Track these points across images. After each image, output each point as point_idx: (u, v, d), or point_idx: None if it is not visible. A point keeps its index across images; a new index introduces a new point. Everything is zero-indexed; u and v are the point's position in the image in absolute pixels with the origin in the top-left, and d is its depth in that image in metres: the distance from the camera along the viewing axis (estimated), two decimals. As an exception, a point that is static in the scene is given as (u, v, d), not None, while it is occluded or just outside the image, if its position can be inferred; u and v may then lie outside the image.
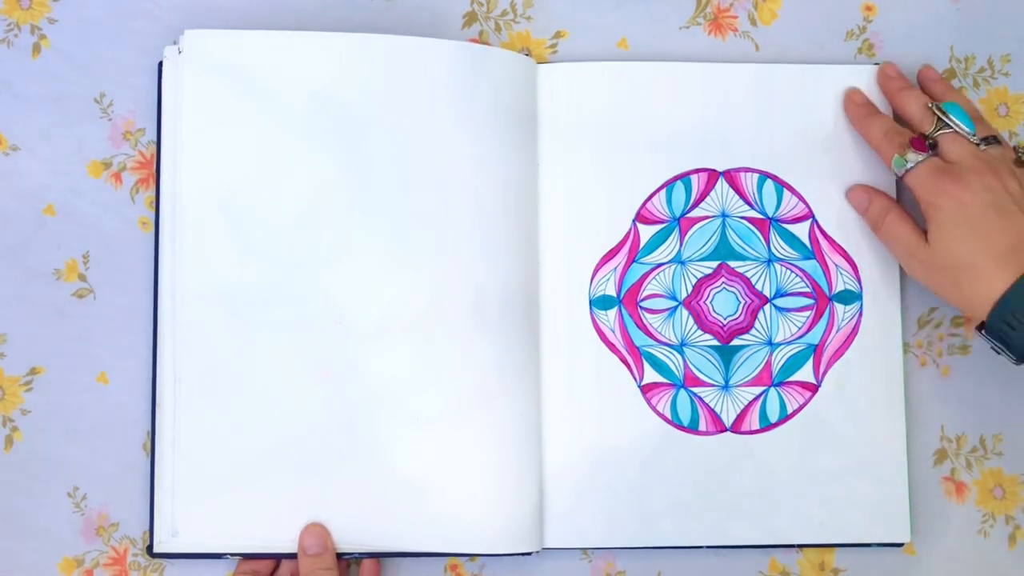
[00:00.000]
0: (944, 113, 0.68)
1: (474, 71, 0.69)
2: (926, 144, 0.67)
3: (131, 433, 0.69)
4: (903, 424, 0.71)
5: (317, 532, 0.65)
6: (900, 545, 0.71)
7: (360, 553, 0.67)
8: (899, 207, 0.70)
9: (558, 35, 0.74)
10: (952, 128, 0.68)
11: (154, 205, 0.70)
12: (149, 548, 0.67)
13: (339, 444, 0.67)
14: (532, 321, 0.70)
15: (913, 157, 0.67)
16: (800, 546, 0.71)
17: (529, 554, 0.68)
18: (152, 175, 0.71)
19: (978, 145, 0.67)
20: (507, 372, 0.68)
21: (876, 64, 0.73)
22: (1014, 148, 0.69)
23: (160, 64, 0.70)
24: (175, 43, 0.69)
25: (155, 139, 0.70)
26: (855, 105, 0.71)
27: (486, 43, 0.73)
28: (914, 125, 0.69)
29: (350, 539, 0.67)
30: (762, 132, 0.72)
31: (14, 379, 0.70)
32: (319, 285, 0.67)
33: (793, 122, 0.72)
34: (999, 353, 0.66)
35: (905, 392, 0.71)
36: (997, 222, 0.64)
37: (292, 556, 0.67)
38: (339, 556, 0.67)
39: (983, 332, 0.65)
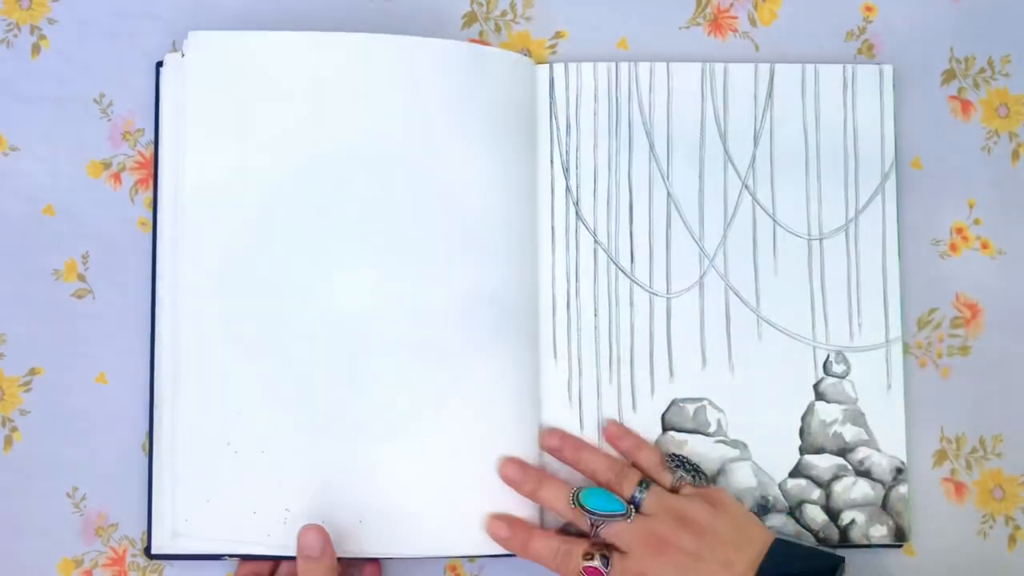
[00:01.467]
0: (586, 510, 0.65)
1: (474, 71, 0.69)
2: (597, 569, 0.64)
3: (130, 433, 0.69)
4: (903, 425, 0.71)
5: (315, 534, 0.64)
6: (900, 546, 0.71)
7: (359, 556, 0.67)
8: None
9: (558, 35, 0.74)
10: (602, 519, 0.64)
11: (152, 205, 0.70)
12: (147, 549, 0.67)
13: (338, 446, 0.67)
14: (531, 322, 0.70)
15: None
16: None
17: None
18: (151, 175, 0.71)
19: (633, 510, 0.64)
20: (506, 374, 0.68)
21: (876, 64, 0.73)
22: (669, 462, 0.67)
23: (158, 65, 0.70)
24: (175, 47, 0.69)
25: (154, 139, 0.70)
26: (509, 530, 0.66)
27: (486, 43, 0.73)
28: (574, 524, 0.66)
29: (350, 542, 0.66)
30: (761, 132, 0.72)
31: (13, 379, 0.70)
32: (317, 286, 0.67)
33: (793, 122, 0.72)
34: None
35: (905, 393, 0.71)
36: None
37: (291, 558, 0.67)
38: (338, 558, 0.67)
39: None
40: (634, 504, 0.65)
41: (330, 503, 0.66)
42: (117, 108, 0.72)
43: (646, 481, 0.66)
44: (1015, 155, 0.74)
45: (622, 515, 0.65)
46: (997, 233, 0.74)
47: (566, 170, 0.72)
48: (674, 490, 0.67)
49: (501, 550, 0.67)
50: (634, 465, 0.68)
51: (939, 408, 0.72)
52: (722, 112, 0.73)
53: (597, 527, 0.65)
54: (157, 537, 0.66)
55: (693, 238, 0.72)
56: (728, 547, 0.63)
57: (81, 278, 0.70)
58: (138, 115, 0.71)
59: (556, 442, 0.68)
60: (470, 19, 0.74)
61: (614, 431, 0.69)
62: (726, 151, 0.72)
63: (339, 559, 0.66)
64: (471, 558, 0.70)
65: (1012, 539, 0.72)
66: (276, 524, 0.66)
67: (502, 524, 0.66)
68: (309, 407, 0.67)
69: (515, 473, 0.67)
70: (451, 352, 0.68)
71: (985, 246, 0.73)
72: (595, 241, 0.72)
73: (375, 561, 0.69)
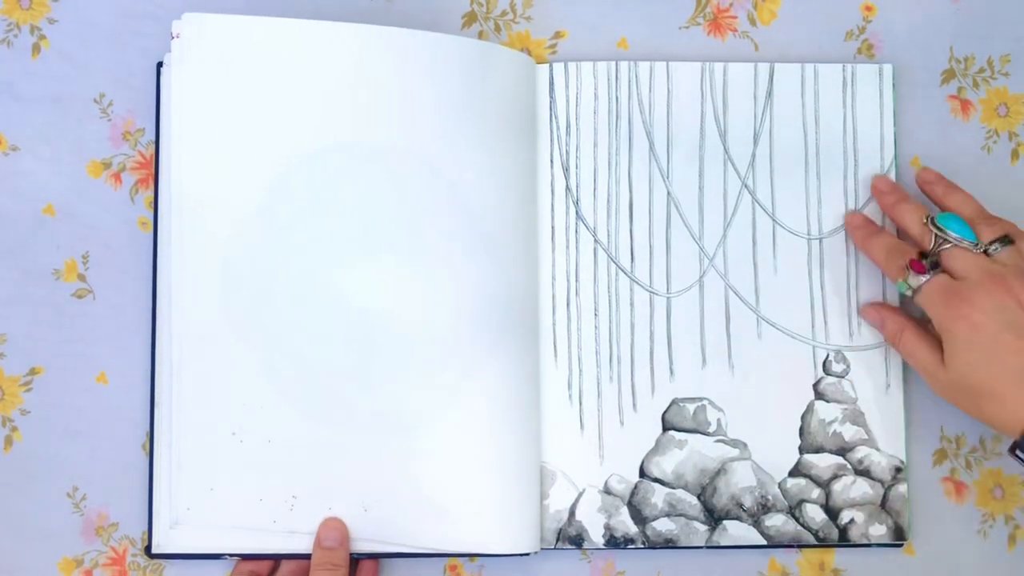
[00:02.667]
0: (941, 229, 0.65)
1: (478, 68, 0.69)
2: (925, 266, 0.65)
3: (130, 433, 0.69)
4: (902, 424, 0.71)
5: (335, 526, 0.66)
6: (900, 545, 0.71)
7: (358, 554, 0.67)
8: (913, 324, 0.68)
9: (558, 35, 0.74)
10: (952, 242, 0.65)
11: (153, 205, 0.70)
12: (147, 548, 0.67)
13: (337, 446, 0.67)
14: (531, 322, 0.70)
15: (915, 280, 0.65)
16: (800, 546, 0.71)
17: (528, 554, 0.68)
18: (152, 175, 0.71)
19: (986, 251, 0.65)
20: (508, 372, 0.68)
21: (876, 64, 0.73)
22: None
23: (159, 65, 0.70)
24: (173, 35, 0.68)
25: (155, 139, 0.70)
26: (854, 228, 0.70)
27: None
28: (915, 242, 0.67)
29: (353, 533, 0.66)
30: (760, 131, 0.72)
31: (14, 379, 0.70)
32: (321, 280, 0.67)
33: (793, 122, 0.72)
34: None
35: (905, 392, 0.71)
36: (1013, 344, 0.62)
37: (290, 557, 0.67)
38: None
39: (1016, 453, 0.63)
40: (987, 250, 0.65)
41: (336, 492, 0.66)
42: (117, 108, 0.72)
43: (1010, 238, 0.65)
44: (1015, 155, 0.74)
45: (972, 243, 0.65)
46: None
47: (566, 170, 0.72)
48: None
49: (500, 550, 0.67)
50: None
51: (939, 407, 0.72)
52: (722, 112, 0.73)
53: (940, 246, 0.65)
54: (156, 536, 0.66)
55: (693, 237, 0.72)
56: None
57: (81, 278, 0.70)
58: (138, 115, 0.72)
59: (932, 176, 0.70)
60: (470, 19, 0.74)
61: (933, 177, 0.71)
62: (726, 151, 0.72)
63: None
64: (471, 557, 0.70)
65: (1012, 538, 0.72)
66: (282, 511, 0.66)
67: (859, 216, 0.70)
68: (315, 399, 0.67)
69: (884, 184, 0.70)
70: (454, 349, 0.68)
71: (985, 245, 0.73)
72: (595, 240, 0.72)
73: (373, 560, 0.69)
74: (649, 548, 0.70)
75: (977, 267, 0.64)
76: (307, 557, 0.66)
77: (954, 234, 0.65)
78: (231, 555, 0.67)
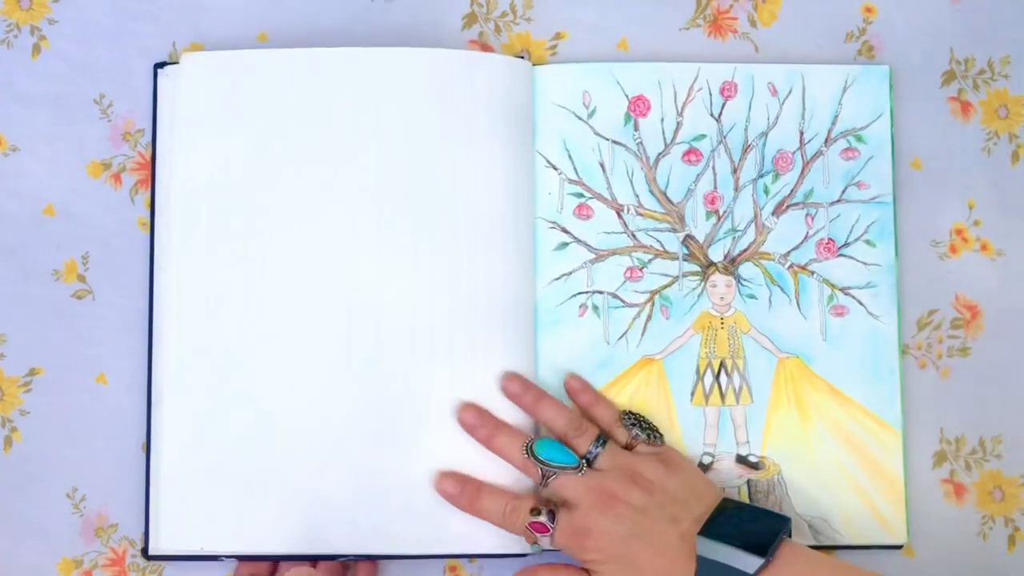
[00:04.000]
0: (542, 461, 0.65)
1: (466, 78, 0.69)
2: (545, 524, 0.64)
3: (130, 434, 0.69)
4: (901, 426, 0.71)
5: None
6: (899, 547, 0.71)
7: (357, 556, 0.67)
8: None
9: (558, 36, 0.74)
10: (554, 470, 0.64)
11: (151, 207, 0.70)
12: (144, 550, 0.67)
13: (336, 446, 0.67)
14: (528, 324, 0.70)
15: (544, 539, 0.64)
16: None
17: (527, 555, 0.68)
18: (151, 176, 0.71)
19: (589, 463, 0.65)
20: (504, 370, 0.68)
21: (876, 65, 0.73)
22: (625, 420, 0.67)
23: (156, 66, 0.70)
24: (174, 48, 0.69)
25: (152, 141, 0.70)
26: (451, 496, 0.66)
27: (486, 44, 0.73)
28: (522, 472, 0.66)
29: (348, 542, 0.67)
30: (760, 132, 0.72)
31: (13, 380, 0.70)
32: (312, 289, 0.68)
33: (792, 122, 0.72)
34: None
35: (904, 394, 0.71)
36: (645, 552, 0.62)
37: (288, 558, 0.67)
38: (336, 558, 0.67)
39: None
40: (587, 459, 0.65)
41: (328, 503, 0.66)
42: (117, 108, 0.72)
43: (603, 437, 0.66)
44: (1015, 156, 0.74)
45: (574, 468, 0.64)
46: (997, 234, 0.74)
47: (564, 170, 0.72)
48: (628, 448, 0.66)
49: (501, 549, 0.67)
50: (591, 420, 0.68)
51: (939, 409, 0.72)
52: (721, 112, 0.72)
53: (548, 478, 0.64)
54: (153, 537, 0.66)
55: (692, 237, 0.72)
56: (677, 504, 0.63)
57: (81, 279, 0.70)
58: (138, 115, 0.72)
59: (517, 388, 0.68)
60: (470, 20, 0.74)
61: (574, 384, 0.69)
62: (725, 151, 0.72)
63: (336, 559, 0.66)
64: (471, 558, 0.70)
65: (1012, 540, 0.72)
66: (272, 524, 0.66)
67: (451, 481, 0.66)
68: (310, 401, 0.67)
69: (472, 418, 0.67)
70: (449, 352, 0.68)
71: (985, 247, 0.73)
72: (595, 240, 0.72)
73: (372, 561, 0.69)
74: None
75: (585, 490, 0.64)
76: (304, 559, 0.67)
77: (556, 464, 0.64)
78: (228, 556, 0.67)
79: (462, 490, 0.66)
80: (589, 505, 0.63)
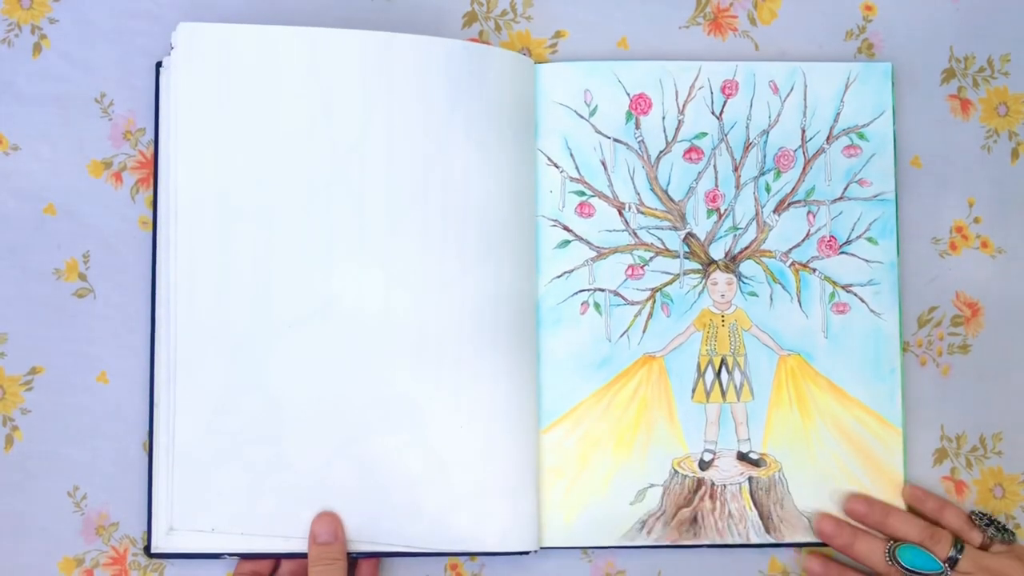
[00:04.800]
0: (903, 568, 0.66)
1: (472, 70, 0.69)
2: None
3: (131, 432, 0.69)
4: (902, 423, 0.71)
5: (328, 520, 0.66)
6: (900, 544, 0.71)
7: (358, 553, 0.67)
8: None
9: (558, 35, 0.74)
10: None
11: (152, 205, 0.70)
12: (147, 548, 0.67)
13: (337, 444, 0.67)
14: (530, 322, 0.70)
15: None
16: (800, 545, 0.71)
17: (527, 553, 0.68)
18: (152, 175, 0.71)
19: (949, 570, 0.66)
20: (508, 371, 0.68)
21: (876, 63, 0.73)
22: (978, 520, 0.68)
23: (158, 65, 0.70)
24: (172, 46, 0.69)
25: (154, 139, 0.70)
26: (825, 535, 0.69)
27: (486, 43, 0.73)
28: None
29: (349, 539, 0.66)
30: (761, 130, 0.72)
31: (14, 379, 0.70)
32: (315, 282, 0.67)
33: (793, 121, 0.73)
34: None
35: (905, 391, 0.71)
36: None
37: (289, 556, 0.67)
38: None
39: None
40: (949, 563, 0.66)
41: (329, 501, 0.66)
42: (118, 108, 0.72)
43: (960, 542, 0.67)
44: (1015, 154, 0.74)
45: (939, 574, 0.66)
46: (997, 232, 0.74)
47: (566, 168, 0.72)
48: (983, 548, 0.67)
49: (502, 548, 0.67)
50: (940, 525, 0.69)
51: (939, 406, 0.72)
52: (722, 110, 0.73)
53: None
54: (155, 535, 0.66)
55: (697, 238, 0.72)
56: None
57: (82, 277, 0.70)
58: (139, 115, 0.72)
59: (863, 508, 0.69)
60: (470, 18, 0.74)
61: (917, 494, 0.70)
62: (727, 149, 0.72)
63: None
64: (471, 556, 0.70)
65: (1012, 538, 0.72)
66: (274, 522, 0.66)
67: (829, 521, 0.69)
68: (310, 401, 0.67)
69: (830, 528, 0.68)
70: (452, 350, 0.68)
71: (985, 245, 0.74)
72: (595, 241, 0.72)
73: (373, 560, 0.69)
74: (649, 547, 0.70)
75: None
76: (306, 556, 0.66)
77: (921, 572, 0.66)
78: (230, 555, 0.67)
79: (839, 532, 0.68)
80: None
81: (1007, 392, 0.73)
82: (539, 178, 0.72)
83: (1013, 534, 0.68)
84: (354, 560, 0.68)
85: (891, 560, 0.66)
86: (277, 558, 0.68)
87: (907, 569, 0.66)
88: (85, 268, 0.70)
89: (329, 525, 0.66)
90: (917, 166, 0.74)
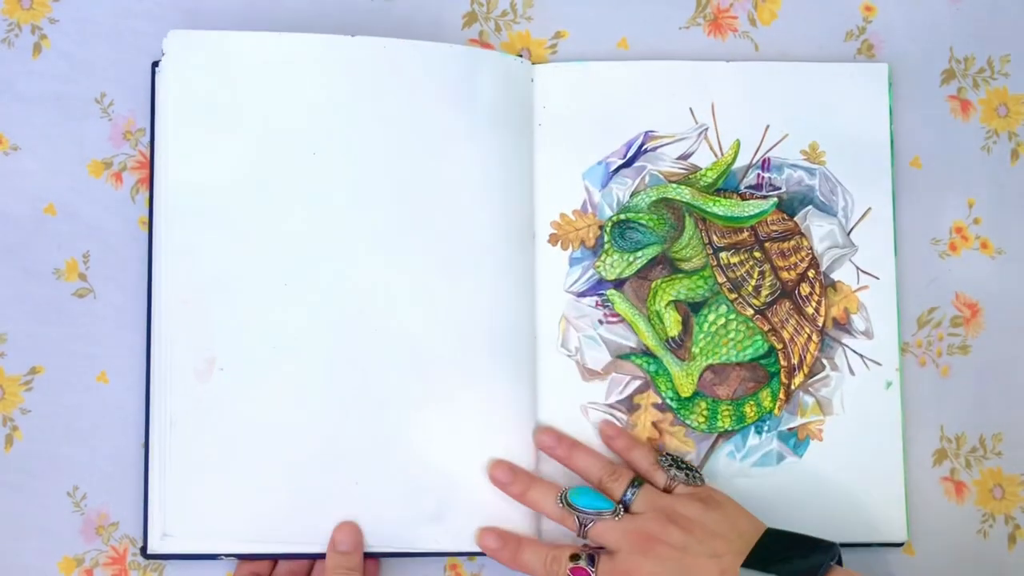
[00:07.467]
0: (577, 508, 0.65)
1: (468, 75, 0.69)
2: (585, 569, 0.63)
3: (131, 432, 0.69)
4: (901, 424, 0.71)
5: (350, 530, 0.66)
6: (899, 545, 0.71)
7: (359, 552, 0.67)
8: None
9: (558, 35, 0.74)
10: (590, 517, 0.64)
11: (149, 205, 0.70)
12: (143, 548, 0.67)
13: (335, 445, 0.67)
14: (528, 325, 0.70)
15: None
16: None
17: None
18: (150, 175, 0.71)
19: (626, 508, 0.65)
20: (506, 376, 0.68)
21: (876, 64, 0.73)
22: (662, 462, 0.66)
23: (154, 64, 0.70)
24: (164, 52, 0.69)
25: (150, 139, 0.70)
26: (493, 551, 0.66)
27: (486, 43, 0.73)
28: (559, 522, 0.66)
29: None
30: (761, 131, 0.72)
31: (14, 379, 0.70)
32: (311, 284, 0.67)
33: (792, 121, 0.72)
34: None
35: (904, 392, 0.71)
36: None
37: (287, 557, 0.67)
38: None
39: None
40: (624, 504, 0.65)
41: (327, 502, 0.66)
42: (118, 108, 0.72)
43: (639, 480, 0.66)
44: (1014, 155, 0.74)
45: (610, 513, 0.64)
46: (996, 232, 0.74)
47: (565, 171, 0.72)
48: (667, 490, 0.66)
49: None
50: (628, 465, 0.68)
51: (939, 407, 0.72)
52: (721, 111, 0.73)
53: (585, 526, 0.64)
54: (151, 537, 0.66)
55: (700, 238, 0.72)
56: (717, 539, 0.63)
57: (82, 277, 0.70)
58: (139, 115, 0.72)
59: (550, 440, 0.68)
60: (470, 19, 0.74)
61: (608, 431, 0.69)
62: (726, 150, 0.72)
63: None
64: (471, 556, 0.70)
65: (1012, 538, 0.72)
66: (271, 523, 0.66)
67: (492, 535, 0.66)
68: (308, 404, 0.67)
69: (504, 475, 0.67)
70: (451, 353, 0.68)
71: (984, 245, 0.74)
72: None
73: (373, 560, 0.69)
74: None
75: (623, 534, 0.64)
76: (305, 557, 0.67)
77: (591, 511, 0.65)
78: (229, 555, 0.67)
79: (503, 545, 0.66)
80: (629, 549, 0.63)
81: (1007, 392, 0.73)
82: (537, 179, 0.71)
83: (699, 475, 0.67)
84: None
85: (563, 503, 0.65)
86: (276, 558, 0.68)
87: (578, 509, 0.65)
88: (85, 268, 0.70)
89: (350, 535, 0.65)
90: (917, 167, 0.74)
